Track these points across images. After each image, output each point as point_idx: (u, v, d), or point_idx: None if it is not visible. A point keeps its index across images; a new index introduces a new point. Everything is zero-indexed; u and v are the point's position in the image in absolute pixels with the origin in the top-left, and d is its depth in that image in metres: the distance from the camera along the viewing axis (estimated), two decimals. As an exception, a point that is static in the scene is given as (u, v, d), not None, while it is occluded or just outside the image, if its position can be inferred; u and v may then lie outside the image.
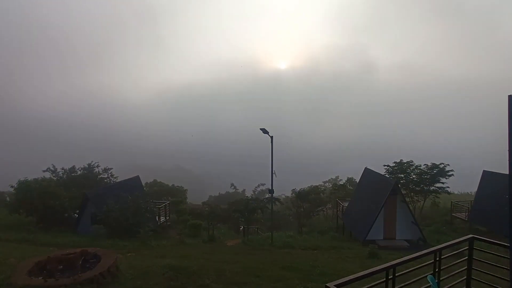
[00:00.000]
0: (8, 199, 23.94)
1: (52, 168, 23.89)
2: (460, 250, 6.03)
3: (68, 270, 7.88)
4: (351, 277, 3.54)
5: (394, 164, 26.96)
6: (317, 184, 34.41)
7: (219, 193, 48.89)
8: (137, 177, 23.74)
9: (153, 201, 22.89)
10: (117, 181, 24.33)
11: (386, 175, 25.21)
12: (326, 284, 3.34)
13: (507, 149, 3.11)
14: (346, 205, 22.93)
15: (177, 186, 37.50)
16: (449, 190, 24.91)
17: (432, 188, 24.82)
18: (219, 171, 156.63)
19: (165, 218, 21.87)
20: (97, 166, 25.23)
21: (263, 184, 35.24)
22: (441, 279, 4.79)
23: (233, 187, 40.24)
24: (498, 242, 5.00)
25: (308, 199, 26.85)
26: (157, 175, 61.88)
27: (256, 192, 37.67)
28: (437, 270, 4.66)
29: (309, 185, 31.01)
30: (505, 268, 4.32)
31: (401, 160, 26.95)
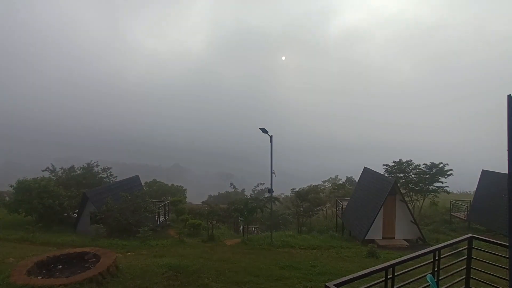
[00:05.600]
0: (7, 198, 23.90)
1: (51, 168, 23.86)
2: (459, 249, 6.04)
3: (67, 269, 7.89)
4: (350, 276, 3.54)
5: (393, 164, 27.00)
6: (317, 184, 34.45)
7: (219, 192, 48.89)
8: (137, 177, 23.72)
9: (153, 201, 22.87)
10: (116, 180, 24.29)
11: (385, 175, 25.24)
12: (326, 284, 3.34)
13: (506, 148, 3.11)
14: (345, 205, 22.94)
15: (177, 185, 37.48)
16: (448, 190, 24.95)
17: (431, 187, 24.86)
18: (219, 170, 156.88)
19: (165, 217, 21.85)
20: (96, 165, 25.19)
21: (262, 184, 35.33)
22: (440, 278, 4.80)
23: (232, 186, 40.28)
24: (497, 241, 5.01)
25: (308, 198, 26.85)
26: (157, 175, 62.01)
27: (255, 192, 37.68)
28: (436, 269, 4.67)
29: (309, 185, 31.06)
30: (504, 268, 4.33)
31: (400, 159, 26.99)
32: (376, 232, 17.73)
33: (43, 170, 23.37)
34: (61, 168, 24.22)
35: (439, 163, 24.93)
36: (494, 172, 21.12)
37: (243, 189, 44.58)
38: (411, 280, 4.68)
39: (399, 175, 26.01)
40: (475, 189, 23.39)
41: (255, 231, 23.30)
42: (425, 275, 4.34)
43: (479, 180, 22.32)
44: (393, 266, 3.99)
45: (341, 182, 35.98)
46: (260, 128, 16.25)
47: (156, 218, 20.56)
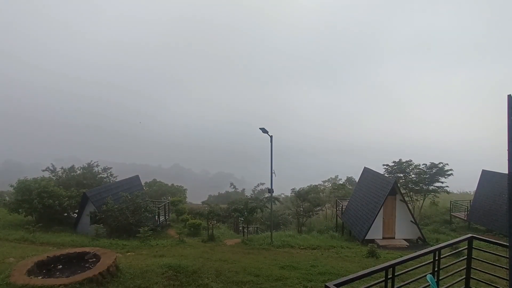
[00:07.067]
0: (7, 198, 23.91)
1: (52, 168, 23.85)
2: (459, 249, 6.05)
3: (67, 269, 7.89)
4: (351, 276, 3.55)
5: (393, 164, 27.01)
6: (317, 184, 34.43)
7: (219, 192, 48.91)
8: (137, 177, 23.71)
9: (153, 201, 22.86)
10: (116, 180, 24.29)
11: (385, 175, 25.25)
12: (326, 284, 3.34)
13: (506, 148, 3.12)
14: (345, 205, 22.95)
15: (177, 185, 37.51)
16: (448, 190, 24.94)
17: (431, 187, 24.85)
18: (219, 170, 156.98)
19: (165, 217, 21.86)
20: (97, 165, 25.19)
21: (262, 184, 35.31)
22: (440, 278, 4.80)
23: (232, 186, 40.35)
24: (497, 241, 5.02)
25: (308, 198, 26.85)
26: (157, 175, 62.05)
27: (255, 192, 37.67)
28: (436, 269, 4.67)
29: (309, 185, 31.03)
30: (504, 268, 4.33)
31: (400, 159, 27.00)
32: (376, 232, 17.73)
33: (43, 170, 23.35)
34: (61, 168, 24.19)
35: (439, 163, 24.93)
36: (494, 172, 21.13)
37: (243, 189, 44.60)
38: (411, 280, 4.68)
39: (399, 175, 26.02)
40: (475, 189, 23.39)
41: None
42: (425, 275, 4.35)
43: (479, 180, 22.33)
44: (393, 266, 3.99)
45: (341, 182, 35.99)
46: (260, 128, 16.27)
47: (156, 218, 20.56)
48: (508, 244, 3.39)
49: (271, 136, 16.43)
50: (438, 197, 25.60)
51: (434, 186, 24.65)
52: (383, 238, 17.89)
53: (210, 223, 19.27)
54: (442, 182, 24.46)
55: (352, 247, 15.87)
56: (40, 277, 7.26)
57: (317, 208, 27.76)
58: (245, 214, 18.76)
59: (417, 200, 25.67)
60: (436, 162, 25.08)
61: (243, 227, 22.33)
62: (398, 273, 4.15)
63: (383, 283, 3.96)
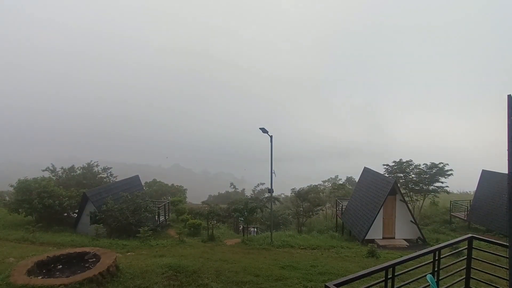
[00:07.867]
0: (7, 198, 23.92)
1: (52, 168, 23.86)
2: (459, 249, 6.05)
3: (67, 269, 7.89)
4: (351, 276, 3.55)
5: (393, 164, 27.00)
6: (317, 184, 34.45)
7: (219, 192, 48.90)
8: (137, 177, 23.71)
9: (153, 201, 22.86)
10: (116, 180, 24.29)
11: (386, 175, 25.24)
12: (326, 284, 3.34)
13: (506, 148, 3.12)
14: (345, 205, 22.94)
15: (177, 185, 37.52)
16: (448, 190, 24.94)
17: (431, 187, 24.85)
18: (219, 170, 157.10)
19: (165, 217, 21.85)
20: (96, 165, 25.21)
21: (262, 184, 35.32)
22: (440, 278, 4.80)
23: (232, 186, 40.40)
24: (497, 241, 5.02)
25: (308, 198, 26.84)
26: (157, 175, 61.99)
27: (255, 192, 37.68)
28: (436, 269, 4.67)
29: (309, 185, 31.03)
30: (504, 268, 4.33)
31: (400, 159, 26.99)
32: (376, 232, 17.73)
33: (43, 170, 23.36)
34: (61, 168, 24.22)
35: (439, 163, 24.92)
36: (494, 172, 21.12)
37: (243, 189, 44.64)
38: (411, 280, 4.68)
39: (399, 175, 26.01)
40: (475, 189, 23.38)
41: (255, 231, 23.25)
42: (425, 275, 4.35)
43: (479, 180, 22.32)
44: (393, 266, 3.99)
45: (341, 182, 36.01)
46: (260, 128, 16.26)
47: (156, 218, 20.57)
48: (508, 244, 3.39)
49: (271, 136, 16.42)
50: (438, 197, 25.60)
51: (434, 186, 24.65)
52: (383, 238, 17.89)
53: (210, 223, 19.27)
54: (442, 182, 24.46)
55: (352, 247, 15.86)
56: (40, 277, 7.26)
57: (317, 208, 27.75)
58: (245, 214, 18.76)
59: (417, 200, 25.66)
60: (436, 162, 25.09)
61: (244, 227, 22.32)
62: (398, 273, 4.14)
63: (383, 283, 3.96)
